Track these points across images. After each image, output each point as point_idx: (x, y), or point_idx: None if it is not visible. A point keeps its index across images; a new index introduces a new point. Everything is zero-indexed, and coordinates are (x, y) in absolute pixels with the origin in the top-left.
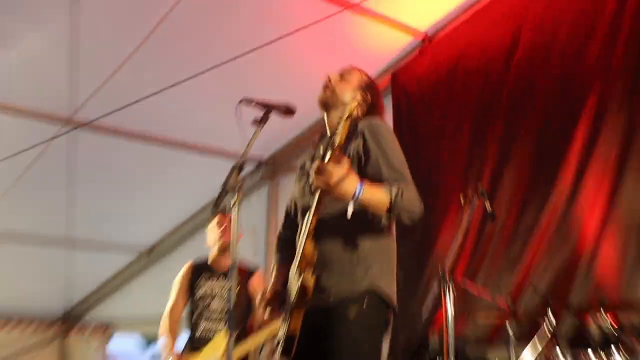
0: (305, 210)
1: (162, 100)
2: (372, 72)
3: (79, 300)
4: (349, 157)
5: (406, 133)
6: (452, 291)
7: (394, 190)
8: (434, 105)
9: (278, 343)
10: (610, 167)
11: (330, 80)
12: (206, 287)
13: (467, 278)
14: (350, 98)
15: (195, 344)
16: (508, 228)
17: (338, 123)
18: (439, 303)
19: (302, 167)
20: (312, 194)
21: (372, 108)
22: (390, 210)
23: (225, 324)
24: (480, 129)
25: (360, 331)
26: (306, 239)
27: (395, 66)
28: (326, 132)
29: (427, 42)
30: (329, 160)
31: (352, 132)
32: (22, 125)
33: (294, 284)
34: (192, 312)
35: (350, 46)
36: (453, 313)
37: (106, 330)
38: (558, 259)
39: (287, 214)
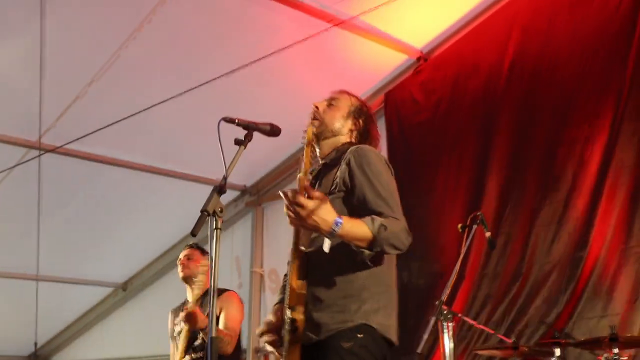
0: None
1: (136, 123)
2: (364, 91)
3: (48, 339)
4: (334, 185)
5: (400, 157)
6: (450, 324)
7: (377, 224)
8: (430, 127)
9: None
10: (625, 193)
11: (317, 110)
12: (178, 324)
13: (466, 311)
14: (340, 126)
15: None
16: (512, 258)
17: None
18: (436, 337)
19: None
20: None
21: (365, 135)
22: (372, 245)
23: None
24: (481, 152)
25: None
26: (291, 275)
27: (388, 86)
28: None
29: (423, 60)
30: (297, 193)
31: (339, 158)
32: None
33: (285, 321)
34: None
35: (341, 64)
36: (452, 347)
37: None
38: (566, 293)
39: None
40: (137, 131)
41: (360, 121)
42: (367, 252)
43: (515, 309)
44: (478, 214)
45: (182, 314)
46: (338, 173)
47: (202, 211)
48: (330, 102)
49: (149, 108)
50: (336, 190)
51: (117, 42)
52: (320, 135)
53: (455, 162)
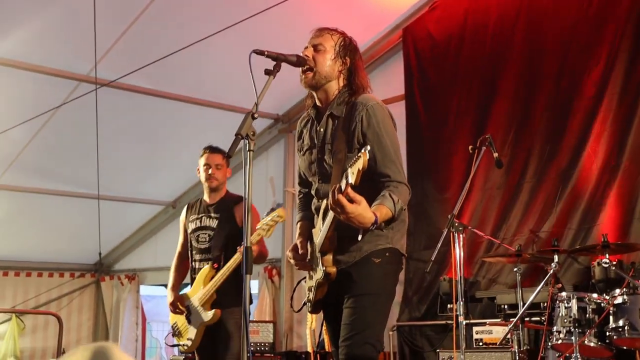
0: (320, 193)
1: (178, 59)
2: (383, 28)
3: (109, 250)
4: (354, 143)
5: (417, 89)
6: (461, 235)
7: (397, 205)
8: (444, 60)
9: (306, 303)
10: (618, 116)
11: (308, 59)
12: (195, 222)
13: (473, 223)
14: (330, 70)
15: (192, 278)
16: (515, 176)
17: (350, 166)
18: (448, 247)
19: (300, 137)
20: (321, 173)
21: (353, 71)
22: (391, 221)
23: (210, 255)
24: (489, 82)
25: (384, 274)
26: (329, 224)
27: (406, 22)
28: (318, 107)
29: None
30: (343, 197)
31: (351, 111)
32: (45, 83)
33: (318, 272)
34: (189, 250)
35: (361, 3)
36: (462, 255)
37: (135, 278)
38: (563, 207)
39: (300, 177)
40: (178, 66)
41: (348, 59)
42: (383, 225)
43: (515, 220)
44: (487, 136)
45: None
46: (352, 129)
47: (236, 135)
48: (317, 47)
49: (189, 46)
50: (352, 149)
51: None
52: (316, 84)
53: (466, 91)
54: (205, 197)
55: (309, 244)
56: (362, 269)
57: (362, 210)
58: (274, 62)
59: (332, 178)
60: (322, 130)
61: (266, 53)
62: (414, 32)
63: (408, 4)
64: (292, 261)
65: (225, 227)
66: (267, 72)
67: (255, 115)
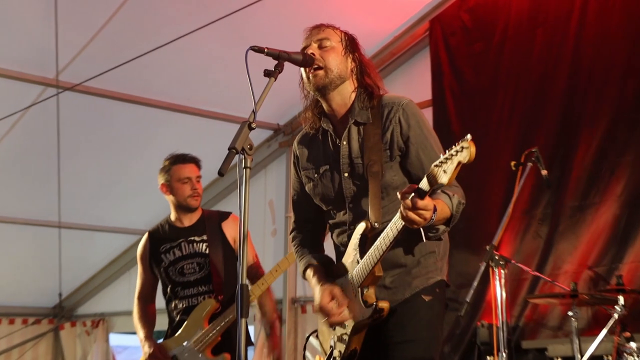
0: (353, 218)
1: (156, 59)
2: (406, 19)
3: (72, 290)
4: (391, 149)
5: (448, 91)
6: (502, 271)
7: (455, 201)
8: (483, 58)
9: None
10: None
11: (317, 57)
12: (172, 252)
13: (515, 255)
14: (344, 68)
15: (178, 320)
16: (567, 197)
17: (441, 161)
18: (486, 285)
19: (298, 162)
20: (353, 197)
21: (363, 69)
22: (449, 222)
23: (206, 287)
24: (538, 88)
25: (436, 315)
26: (373, 257)
27: (433, 12)
28: (330, 116)
29: None
30: (425, 196)
31: (378, 115)
32: (4, 87)
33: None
34: (165, 284)
35: None
36: (503, 296)
37: (103, 324)
38: (630, 236)
39: (300, 214)
40: (157, 68)
41: (357, 55)
42: (442, 228)
43: (568, 252)
44: (533, 150)
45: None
46: (389, 135)
47: (229, 148)
48: (322, 44)
49: (169, 43)
50: (390, 157)
51: None
52: (329, 85)
53: (509, 96)
54: (175, 220)
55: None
56: (410, 309)
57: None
58: (276, 62)
59: (371, 196)
60: (345, 143)
61: (266, 50)
62: (444, 23)
63: None
64: (325, 318)
65: (218, 251)
66: (268, 74)
67: (253, 125)
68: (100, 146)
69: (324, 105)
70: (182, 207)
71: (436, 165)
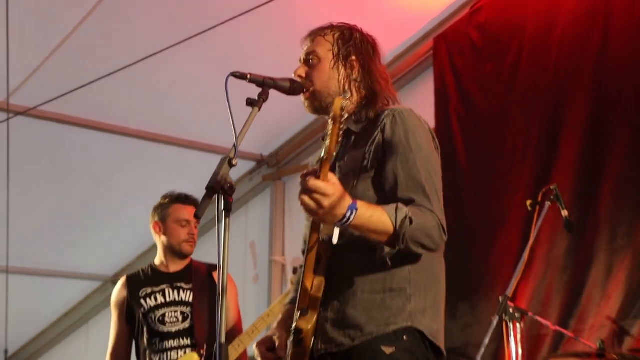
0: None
1: (123, 81)
2: (407, 37)
3: (21, 345)
4: (365, 161)
5: (453, 117)
6: (518, 325)
7: (400, 214)
8: (491, 81)
9: None
10: None
11: (303, 79)
12: (153, 297)
13: (532, 307)
14: (335, 82)
15: None
16: (591, 241)
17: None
18: (499, 342)
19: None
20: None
21: (366, 71)
22: (393, 241)
23: (188, 340)
24: (557, 115)
25: None
26: (305, 271)
27: (438, 29)
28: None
29: None
30: (317, 177)
31: (371, 125)
32: None
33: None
34: (140, 335)
35: (377, 2)
36: (520, 355)
37: None
38: None
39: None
40: (123, 90)
41: (355, 58)
42: (387, 249)
43: (593, 304)
44: (552, 187)
45: None
46: (373, 143)
47: (207, 188)
48: (309, 60)
49: (136, 63)
50: (368, 167)
51: None
52: (320, 107)
53: (524, 124)
54: (160, 264)
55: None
56: None
57: (338, 194)
58: (260, 89)
59: None
60: (334, 153)
61: (249, 77)
62: (450, 41)
63: (441, 5)
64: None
65: (204, 300)
66: (251, 103)
67: (234, 162)
68: (56, 179)
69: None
70: (174, 252)
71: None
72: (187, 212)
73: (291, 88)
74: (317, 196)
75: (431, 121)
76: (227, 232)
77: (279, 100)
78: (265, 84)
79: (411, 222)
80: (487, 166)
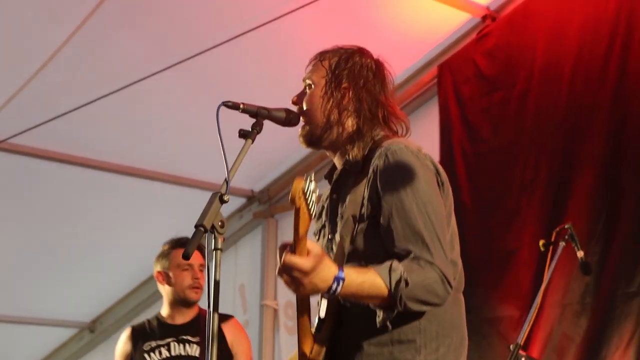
0: None
1: (96, 112)
2: (409, 65)
3: None
4: (363, 208)
5: (458, 150)
6: None
7: (394, 276)
8: (500, 113)
9: None
10: None
11: (297, 103)
12: (157, 352)
13: (552, 357)
14: (327, 112)
15: None
16: (609, 284)
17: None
18: None
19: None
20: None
21: (361, 98)
22: (389, 304)
23: None
24: (570, 149)
25: None
26: (303, 334)
27: (443, 55)
28: (333, 167)
29: (490, 20)
30: (292, 254)
31: (366, 162)
32: None
33: None
34: None
35: (375, 28)
36: None
37: None
38: None
39: None
40: (101, 122)
41: (347, 84)
42: (382, 314)
43: (615, 353)
44: (566, 226)
45: None
46: (367, 187)
47: (196, 226)
48: (306, 87)
49: (116, 92)
50: (365, 215)
51: (77, 16)
52: (312, 139)
53: (534, 158)
54: (166, 316)
55: None
56: None
57: (320, 267)
58: (254, 120)
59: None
60: (334, 196)
61: (242, 106)
62: (455, 69)
63: (446, 30)
64: None
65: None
66: (244, 135)
67: (225, 198)
68: (28, 216)
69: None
70: (179, 301)
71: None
72: (192, 256)
73: (287, 119)
74: (295, 273)
75: (436, 155)
76: (217, 269)
77: (271, 132)
78: (259, 114)
79: (407, 284)
80: (494, 203)
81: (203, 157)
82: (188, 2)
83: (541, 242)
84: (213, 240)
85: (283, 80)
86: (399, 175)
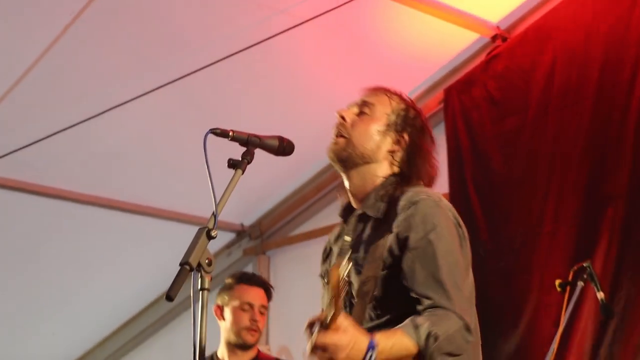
0: None
1: (69, 140)
2: (413, 87)
3: None
4: (386, 257)
5: (470, 182)
6: None
7: (422, 333)
8: (513, 140)
9: None
10: None
11: (343, 120)
12: None
13: None
14: (375, 147)
15: None
16: (634, 328)
17: (333, 296)
18: None
19: (327, 258)
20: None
21: (412, 159)
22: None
23: None
24: (591, 180)
25: None
26: None
27: (450, 78)
28: (349, 203)
29: (501, 40)
30: (327, 331)
31: (389, 210)
32: None
33: None
34: None
35: (378, 49)
36: None
37: None
38: None
39: None
40: (79, 150)
41: (405, 136)
42: None
43: None
44: (585, 265)
45: None
46: (389, 239)
47: (181, 264)
48: (362, 109)
49: (102, 113)
50: (388, 265)
51: (48, 35)
52: (346, 160)
53: (554, 191)
54: (221, 357)
55: None
56: None
57: (353, 340)
58: (244, 148)
59: (354, 316)
60: (347, 239)
61: (231, 134)
62: (463, 92)
63: (452, 51)
64: None
65: None
66: (233, 165)
67: (213, 233)
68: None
69: (345, 185)
70: (234, 341)
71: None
72: (253, 294)
73: (280, 147)
74: (329, 353)
75: (444, 186)
76: (204, 310)
77: (264, 161)
78: (250, 143)
79: (436, 339)
80: (511, 241)
81: (189, 188)
82: (168, 21)
83: (557, 282)
84: (199, 280)
85: (277, 107)
86: (423, 225)
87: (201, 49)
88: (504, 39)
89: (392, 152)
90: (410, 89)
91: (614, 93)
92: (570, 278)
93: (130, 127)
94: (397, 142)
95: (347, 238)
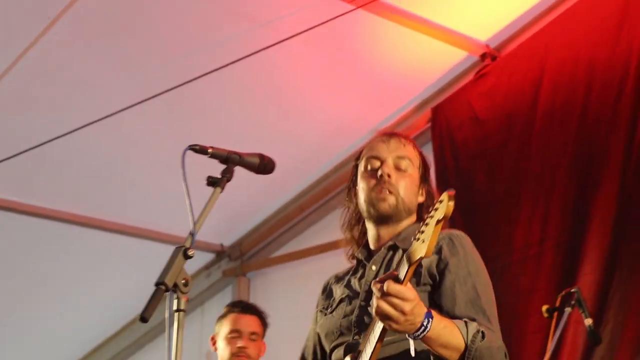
0: (349, 350)
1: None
2: (401, 105)
3: None
4: (418, 276)
5: (455, 200)
6: None
7: (472, 329)
8: (496, 160)
9: None
10: None
11: (390, 180)
12: None
13: None
14: (415, 201)
15: None
16: (623, 356)
17: (419, 231)
18: None
19: (329, 294)
20: (363, 328)
21: (431, 200)
22: (463, 357)
23: None
24: (579, 202)
25: None
26: None
27: (437, 97)
28: (368, 244)
29: (490, 59)
30: (404, 280)
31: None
32: None
33: None
34: None
35: (366, 65)
36: None
37: None
38: None
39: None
40: (57, 166)
41: (427, 187)
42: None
43: None
44: (573, 290)
45: None
46: (428, 260)
47: (156, 285)
48: (399, 166)
49: (75, 131)
50: (421, 282)
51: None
52: (394, 217)
53: (539, 212)
54: None
55: None
56: None
57: (417, 299)
58: (224, 166)
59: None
60: (374, 268)
61: (210, 151)
62: (449, 112)
63: (441, 69)
64: None
65: None
66: (212, 182)
67: (190, 253)
68: None
69: (370, 232)
70: None
71: (415, 238)
72: (244, 321)
73: (261, 165)
74: (397, 301)
75: None
76: (180, 332)
77: (244, 180)
78: (230, 160)
79: (483, 336)
80: (494, 262)
81: (165, 206)
82: (148, 38)
83: (544, 308)
84: (175, 301)
85: (259, 123)
86: (464, 257)
87: (181, 65)
88: (493, 58)
89: (421, 204)
90: (398, 106)
91: (600, 113)
92: (557, 304)
93: (107, 144)
94: (422, 194)
95: (373, 267)
